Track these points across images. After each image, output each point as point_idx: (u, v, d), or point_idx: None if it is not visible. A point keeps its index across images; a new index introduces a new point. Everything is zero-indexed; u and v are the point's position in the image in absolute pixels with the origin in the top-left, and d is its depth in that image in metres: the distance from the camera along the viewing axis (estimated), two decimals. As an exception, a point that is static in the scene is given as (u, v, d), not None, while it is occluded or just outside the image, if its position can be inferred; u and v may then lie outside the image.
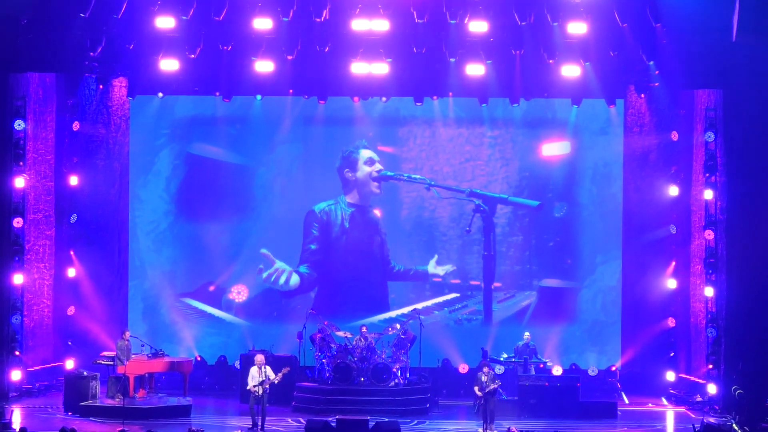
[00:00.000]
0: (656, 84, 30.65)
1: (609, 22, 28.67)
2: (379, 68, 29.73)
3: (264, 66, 29.76)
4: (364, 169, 32.81)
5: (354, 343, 29.58)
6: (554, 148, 32.66)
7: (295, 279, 32.83)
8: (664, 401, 30.71)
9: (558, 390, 28.62)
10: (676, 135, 31.48)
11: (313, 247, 32.87)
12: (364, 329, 29.92)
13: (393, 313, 32.49)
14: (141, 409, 27.62)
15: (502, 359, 30.22)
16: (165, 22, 28.70)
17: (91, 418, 27.22)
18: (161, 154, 33.07)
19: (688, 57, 28.76)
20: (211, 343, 32.86)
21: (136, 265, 33.03)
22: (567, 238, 32.73)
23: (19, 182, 29.78)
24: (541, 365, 30.13)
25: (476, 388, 26.40)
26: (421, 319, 30.47)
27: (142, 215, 33.06)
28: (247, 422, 26.64)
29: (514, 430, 24.21)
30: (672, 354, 31.56)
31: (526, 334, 30.44)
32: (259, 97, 32.32)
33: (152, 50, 29.79)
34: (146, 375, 29.21)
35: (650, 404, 30.41)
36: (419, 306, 32.13)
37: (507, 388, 28.67)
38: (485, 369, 26.65)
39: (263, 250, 32.75)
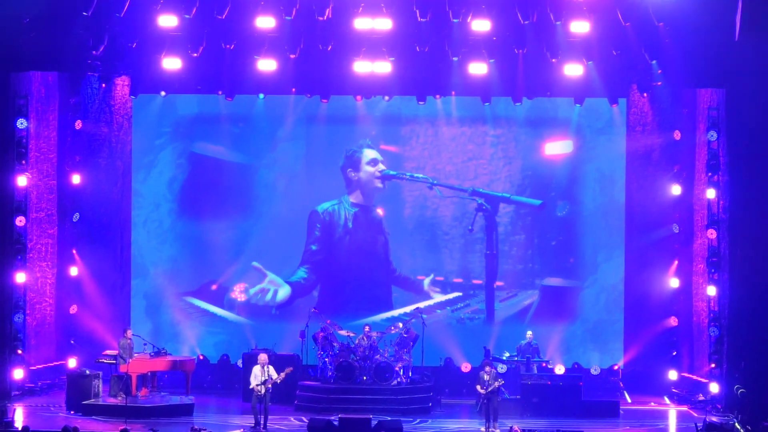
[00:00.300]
0: (659, 83, 30.66)
1: (612, 21, 28.66)
2: (382, 67, 29.74)
3: (267, 65, 29.78)
4: (367, 169, 32.81)
5: (356, 341, 29.58)
6: (557, 147, 32.66)
7: (283, 293, 32.80)
8: (667, 400, 30.69)
9: (560, 389, 28.60)
10: (679, 134, 31.45)
11: (314, 247, 32.87)
12: (366, 328, 29.92)
13: (395, 312, 32.49)
14: (143, 408, 27.60)
15: (504, 358, 30.23)
16: (167, 20, 28.68)
17: (93, 417, 27.19)
18: (164, 153, 33.09)
19: (691, 56, 28.76)
20: (213, 341, 32.87)
21: (139, 263, 33.06)
22: (569, 237, 32.74)
23: (22, 181, 29.77)
24: (544, 364, 30.14)
25: (479, 387, 26.40)
26: (424, 318, 30.48)
27: (144, 214, 33.08)
28: (249, 421, 26.63)
29: (516, 429, 24.21)
30: (674, 353, 31.53)
31: (529, 333, 30.45)
32: (261, 95, 32.33)
33: (155, 49, 29.82)
34: (149, 374, 29.22)
35: (653, 403, 30.39)
36: (422, 305, 32.14)
37: (509, 387, 28.69)
38: (488, 368, 26.64)
39: (255, 263, 32.74)
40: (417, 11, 28.69)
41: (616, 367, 32.15)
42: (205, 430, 24.57)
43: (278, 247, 32.82)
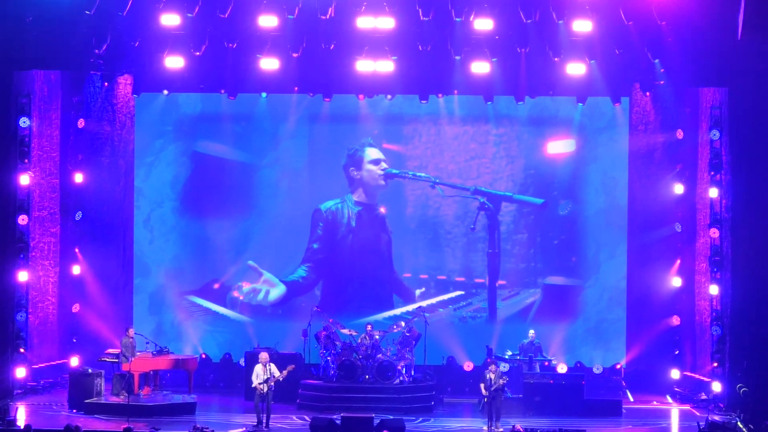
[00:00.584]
0: (661, 82, 30.65)
1: (614, 20, 28.63)
2: (385, 66, 29.73)
3: (269, 63, 29.77)
4: (369, 168, 32.80)
5: (359, 340, 29.60)
6: (559, 146, 32.66)
7: (276, 293, 32.80)
8: (669, 399, 30.69)
9: (563, 388, 28.63)
10: (681, 133, 31.46)
11: (316, 246, 32.87)
12: (369, 327, 29.94)
13: (398, 311, 32.49)
14: (146, 407, 27.61)
15: (506, 356, 30.24)
16: (170, 19, 28.70)
17: (95, 416, 27.21)
18: (166, 152, 33.10)
19: (694, 55, 28.78)
20: (215, 340, 32.88)
21: (141, 262, 33.07)
22: (572, 236, 32.73)
23: (24, 179, 29.78)
24: (546, 363, 30.14)
25: (482, 386, 26.39)
26: (426, 317, 30.46)
27: (147, 213, 33.09)
28: (251, 420, 26.64)
29: (519, 427, 24.22)
30: (677, 352, 31.55)
31: (531, 331, 30.48)
32: (264, 94, 32.33)
33: (157, 48, 29.83)
34: (151, 372, 29.22)
35: (655, 402, 30.39)
36: (424, 304, 32.17)
37: (512, 385, 28.65)
38: (492, 367, 26.65)
39: (250, 262, 32.75)
40: (419, 10, 28.68)
41: (618, 366, 32.14)
42: (207, 428, 24.56)
43: (280, 246, 32.82)
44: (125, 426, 23.39)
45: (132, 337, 28.79)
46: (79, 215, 31.85)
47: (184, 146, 33.11)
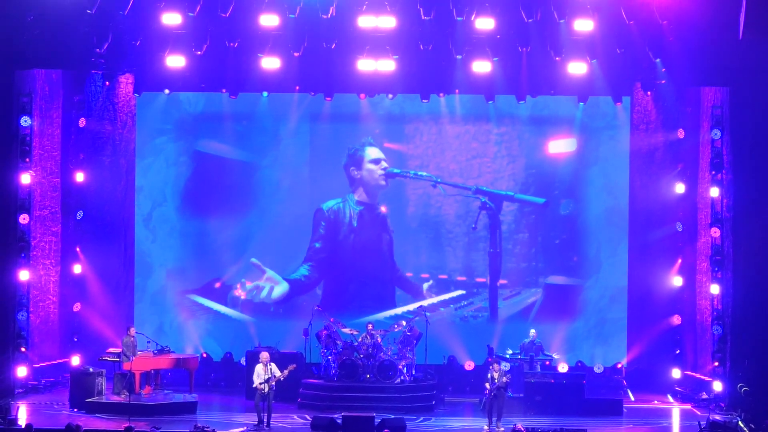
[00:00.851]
0: (663, 81, 30.65)
1: (616, 20, 28.63)
2: (386, 65, 29.72)
3: (270, 63, 29.77)
4: (369, 167, 32.79)
5: (360, 340, 29.60)
6: (560, 146, 32.66)
7: (279, 290, 32.79)
8: (670, 398, 30.70)
9: (564, 387, 28.66)
10: (683, 132, 31.48)
11: (317, 245, 32.87)
12: (370, 326, 29.93)
13: (399, 310, 32.49)
14: (147, 406, 27.63)
15: (507, 356, 30.24)
16: (171, 18, 28.71)
17: (96, 415, 27.23)
18: (167, 151, 33.09)
19: (695, 54, 28.76)
20: (216, 339, 32.88)
21: (142, 261, 33.06)
22: (573, 236, 32.73)
23: (25, 179, 29.78)
24: (547, 362, 30.14)
25: (487, 385, 26.41)
26: (427, 316, 30.47)
27: (148, 212, 33.08)
28: (252, 419, 26.66)
29: (520, 426, 24.23)
30: (678, 351, 31.56)
31: (532, 331, 30.50)
32: (265, 93, 32.31)
33: (158, 47, 29.81)
34: (152, 371, 29.23)
35: (656, 401, 30.39)
36: (425, 303, 32.16)
37: (513, 385, 28.61)
38: (495, 365, 26.66)
39: (253, 260, 32.75)
40: (421, 9, 28.68)
41: (619, 366, 32.14)
42: (208, 428, 24.58)
43: (282, 245, 32.81)
44: (126, 425, 23.38)
45: (133, 336, 28.80)
46: (80, 214, 31.87)
47: (185, 145, 33.11)
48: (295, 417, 27.71)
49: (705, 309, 30.72)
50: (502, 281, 32.62)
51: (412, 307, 32.18)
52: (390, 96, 32.06)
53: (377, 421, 25.56)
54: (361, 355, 29.26)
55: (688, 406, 29.68)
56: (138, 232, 33.02)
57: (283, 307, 32.80)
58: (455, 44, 29.51)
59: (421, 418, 27.82)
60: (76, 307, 31.81)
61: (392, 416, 26.73)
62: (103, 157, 32.50)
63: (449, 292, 32.71)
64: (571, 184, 32.68)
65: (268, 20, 28.75)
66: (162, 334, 31.71)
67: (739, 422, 26.32)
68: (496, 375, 26.37)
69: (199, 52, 29.63)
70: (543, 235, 32.76)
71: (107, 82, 31.87)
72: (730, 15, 27.62)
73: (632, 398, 30.68)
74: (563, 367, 30.93)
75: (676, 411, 29.43)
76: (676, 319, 31.56)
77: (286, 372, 26.61)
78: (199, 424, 24.93)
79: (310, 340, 30.29)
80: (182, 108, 33.00)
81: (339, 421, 25.78)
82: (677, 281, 31.50)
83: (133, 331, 28.98)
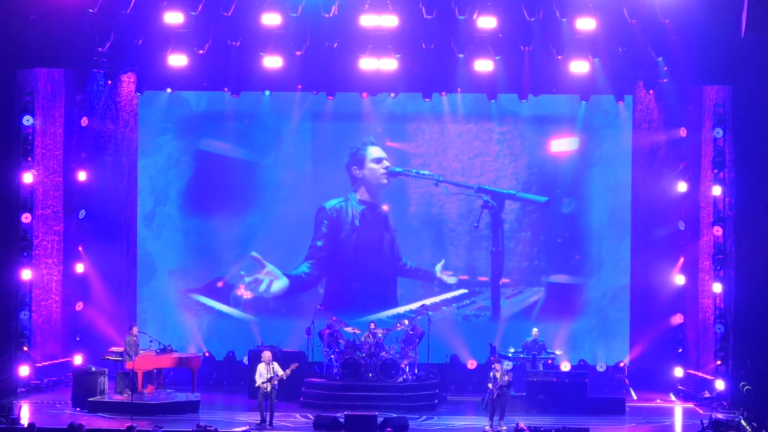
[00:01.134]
0: (665, 80, 30.62)
1: (618, 18, 28.61)
2: (388, 64, 29.71)
3: (272, 62, 29.76)
4: (371, 166, 32.79)
5: (362, 338, 29.61)
6: (563, 144, 32.65)
7: (279, 285, 32.77)
8: (673, 397, 30.69)
9: (566, 386, 28.67)
10: (685, 131, 31.46)
11: (319, 243, 32.87)
12: (372, 325, 29.95)
13: (401, 309, 32.48)
14: (149, 405, 27.64)
15: (509, 354, 30.25)
16: (173, 17, 28.70)
17: (99, 414, 27.24)
18: (169, 150, 33.09)
19: (697, 53, 28.74)
20: (219, 338, 32.86)
21: (145, 260, 33.05)
22: (575, 234, 32.72)
23: (28, 178, 29.81)
24: (550, 361, 30.16)
25: (490, 385, 26.41)
26: (430, 315, 30.52)
27: (150, 211, 33.07)
28: (255, 418, 26.67)
29: (522, 425, 24.20)
30: (680, 350, 31.54)
31: (534, 330, 30.51)
32: (267, 92, 32.30)
33: (161, 46, 29.81)
34: (154, 371, 29.24)
35: (658, 400, 30.39)
36: (427, 302, 32.17)
37: (515, 384, 28.65)
38: (497, 365, 26.67)
39: (253, 253, 32.76)
40: (423, 8, 28.66)
41: (621, 364, 32.12)
42: (211, 427, 24.60)
43: (283, 243, 32.81)
44: (129, 424, 23.36)
45: (135, 336, 28.81)
46: (82, 213, 31.88)
47: (188, 144, 33.10)
48: (298, 416, 27.72)
49: (707, 307, 30.71)
50: (504, 280, 32.61)
51: (414, 306, 32.19)
52: (392, 95, 32.04)
53: (380, 420, 25.58)
54: (364, 354, 29.27)
55: (690, 405, 29.68)
56: (140, 231, 33.02)
57: (285, 306, 32.78)
58: (457, 43, 29.49)
59: (424, 417, 27.83)
60: (79, 306, 31.82)
61: (395, 415, 26.73)
62: (105, 156, 32.51)
63: (451, 291, 32.69)
64: (574, 182, 32.66)
65: (270, 19, 28.75)
66: (164, 333, 31.62)
67: (742, 421, 26.31)
68: (498, 374, 26.37)
69: (201, 51, 29.62)
70: (545, 234, 32.75)
71: (109, 81, 31.84)
72: (732, 13, 27.59)
73: (635, 397, 30.68)
74: (566, 366, 30.91)
75: (678, 410, 29.43)
76: (679, 318, 31.55)
77: (288, 371, 26.62)
78: (201, 424, 24.95)
79: (313, 339, 30.31)
80: (184, 107, 33.00)
81: (341, 420, 25.80)
82: (680, 280, 31.49)
83: (135, 330, 28.98)
